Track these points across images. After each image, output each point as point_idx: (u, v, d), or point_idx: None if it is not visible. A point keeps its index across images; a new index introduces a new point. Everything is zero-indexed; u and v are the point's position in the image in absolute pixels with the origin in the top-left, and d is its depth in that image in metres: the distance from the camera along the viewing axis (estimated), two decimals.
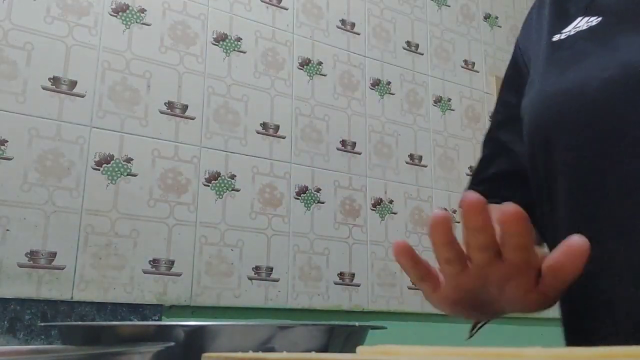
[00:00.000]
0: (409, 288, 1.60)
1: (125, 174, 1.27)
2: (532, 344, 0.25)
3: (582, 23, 0.53)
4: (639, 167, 0.45)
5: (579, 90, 0.49)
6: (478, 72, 1.94)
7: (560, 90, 0.50)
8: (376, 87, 1.70)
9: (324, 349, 0.46)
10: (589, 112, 0.48)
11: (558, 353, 0.22)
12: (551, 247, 0.49)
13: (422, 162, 1.73)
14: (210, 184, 1.37)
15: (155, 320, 1.22)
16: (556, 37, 0.56)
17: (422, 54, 1.83)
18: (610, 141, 0.47)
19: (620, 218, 0.45)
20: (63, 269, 1.17)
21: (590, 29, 0.52)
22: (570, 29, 0.54)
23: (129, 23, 1.35)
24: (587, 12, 0.54)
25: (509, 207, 0.37)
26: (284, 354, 0.29)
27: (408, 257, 0.42)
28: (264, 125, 1.48)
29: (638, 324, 0.44)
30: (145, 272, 1.25)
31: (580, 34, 0.52)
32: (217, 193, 1.37)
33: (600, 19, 0.52)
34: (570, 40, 0.53)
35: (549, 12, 0.60)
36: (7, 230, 1.13)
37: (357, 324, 0.50)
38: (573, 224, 0.49)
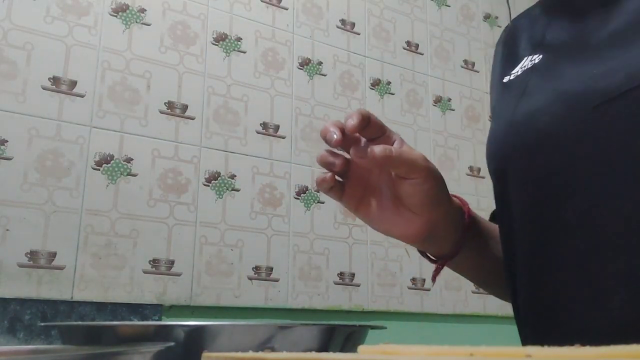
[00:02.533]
0: (409, 288, 1.60)
1: (125, 174, 1.27)
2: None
3: (527, 62, 0.56)
4: (585, 200, 0.46)
5: (528, 124, 0.51)
6: (478, 72, 1.94)
7: (511, 125, 0.53)
8: (376, 87, 1.70)
9: (324, 349, 0.46)
10: (538, 146, 0.50)
11: (558, 353, 0.22)
12: (507, 273, 0.56)
13: None
14: (210, 184, 1.37)
15: (155, 320, 1.22)
16: (506, 79, 0.59)
17: (422, 54, 1.83)
18: (558, 174, 0.48)
19: (569, 248, 0.47)
20: (63, 268, 1.17)
21: (534, 66, 0.54)
22: (517, 70, 0.57)
23: (129, 23, 1.35)
24: (531, 52, 0.57)
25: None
26: (284, 354, 0.29)
27: (330, 185, 0.53)
28: (264, 125, 1.48)
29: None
30: (145, 272, 1.25)
31: (525, 72, 0.55)
32: (217, 193, 1.37)
33: (541, 56, 0.54)
34: (517, 80, 0.56)
35: (502, 54, 0.64)
36: (7, 230, 1.13)
37: (357, 323, 0.50)
38: (525, 252, 0.52)
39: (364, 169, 0.53)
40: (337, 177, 0.53)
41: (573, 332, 0.47)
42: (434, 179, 0.52)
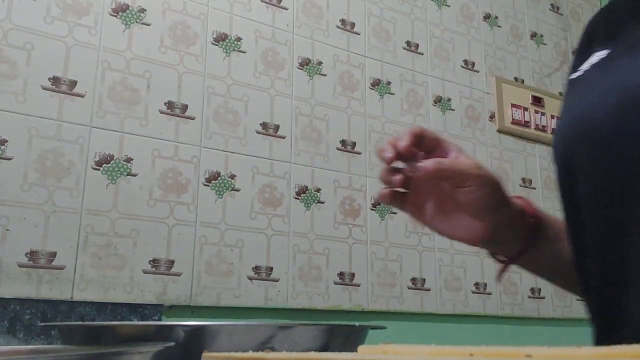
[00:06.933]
0: (409, 288, 1.60)
1: (125, 174, 1.27)
2: (532, 343, 0.25)
3: (595, 58, 0.56)
4: None
5: (587, 117, 0.51)
6: (478, 72, 1.94)
7: (573, 120, 0.53)
8: (376, 87, 1.70)
9: (324, 348, 0.46)
10: (598, 138, 0.50)
11: (559, 353, 0.22)
12: (579, 269, 0.55)
13: None
14: (210, 184, 1.37)
15: (155, 320, 1.22)
16: (573, 75, 0.59)
17: (422, 54, 1.83)
18: (620, 164, 0.48)
19: (636, 236, 0.46)
20: (63, 269, 1.17)
21: (599, 62, 0.55)
22: (585, 66, 0.57)
23: (129, 23, 1.35)
24: (601, 47, 0.57)
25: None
26: (284, 354, 0.29)
27: (390, 200, 0.58)
28: (264, 125, 1.48)
29: None
30: (145, 272, 1.25)
31: (591, 69, 0.56)
32: (217, 193, 1.37)
33: (608, 51, 0.55)
34: (583, 76, 0.56)
35: (576, 52, 0.64)
36: (7, 230, 1.13)
37: (357, 323, 0.50)
38: (596, 246, 0.52)
39: (425, 180, 0.57)
40: (400, 189, 0.58)
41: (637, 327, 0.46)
42: (489, 186, 0.55)
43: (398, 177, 0.56)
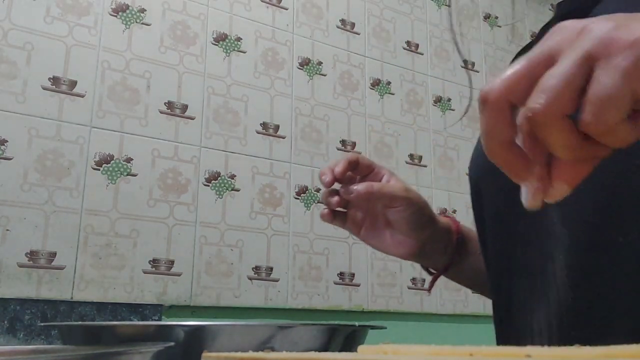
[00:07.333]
0: (409, 288, 1.60)
1: (125, 174, 1.27)
2: None
3: None
4: (538, 218, 0.50)
5: None
6: (478, 72, 1.94)
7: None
8: (376, 87, 1.70)
9: (324, 349, 0.46)
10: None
11: (558, 352, 0.22)
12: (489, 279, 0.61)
13: (422, 162, 1.73)
14: (210, 184, 1.37)
15: (155, 320, 1.22)
16: None
17: (422, 54, 1.83)
18: (515, 191, 0.52)
19: (526, 261, 0.52)
20: (63, 269, 1.17)
21: None
22: None
23: (129, 23, 1.35)
24: None
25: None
26: (284, 354, 0.29)
27: (330, 219, 0.63)
28: (264, 125, 1.48)
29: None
30: (145, 272, 1.25)
31: None
32: (217, 193, 1.37)
33: None
34: None
35: None
36: (7, 230, 1.13)
37: (357, 324, 0.50)
38: (491, 260, 0.59)
39: (360, 201, 0.63)
40: (340, 208, 0.64)
41: (525, 327, 0.51)
42: (415, 206, 0.61)
43: (336, 199, 0.62)
